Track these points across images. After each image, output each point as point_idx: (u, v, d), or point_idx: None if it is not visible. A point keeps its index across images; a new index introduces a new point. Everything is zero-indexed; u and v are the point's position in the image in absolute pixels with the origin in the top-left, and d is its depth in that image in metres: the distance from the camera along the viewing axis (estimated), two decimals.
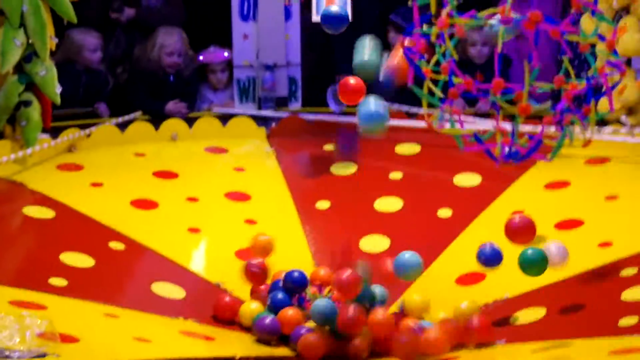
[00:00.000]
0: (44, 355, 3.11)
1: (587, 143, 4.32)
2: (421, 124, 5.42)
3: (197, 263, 4.59)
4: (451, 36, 4.06)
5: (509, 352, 3.73)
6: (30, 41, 5.06)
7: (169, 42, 6.73)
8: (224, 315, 4.15)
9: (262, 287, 4.24)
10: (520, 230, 3.91)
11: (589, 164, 4.89)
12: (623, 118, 5.45)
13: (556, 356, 3.56)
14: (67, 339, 3.29)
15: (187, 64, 6.88)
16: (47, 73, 5.14)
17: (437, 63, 4.14)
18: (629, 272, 4.01)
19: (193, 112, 6.63)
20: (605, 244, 4.27)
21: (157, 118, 6.08)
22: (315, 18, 4.87)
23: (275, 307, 4.07)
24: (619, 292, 3.85)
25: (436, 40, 4.09)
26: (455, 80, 3.93)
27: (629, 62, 5.54)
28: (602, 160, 4.86)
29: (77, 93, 6.50)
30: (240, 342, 3.94)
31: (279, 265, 4.37)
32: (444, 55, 4.09)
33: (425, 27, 4.13)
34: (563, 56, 4.08)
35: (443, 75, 4.04)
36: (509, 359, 3.67)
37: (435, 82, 4.19)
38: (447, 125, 4.33)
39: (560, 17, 6.28)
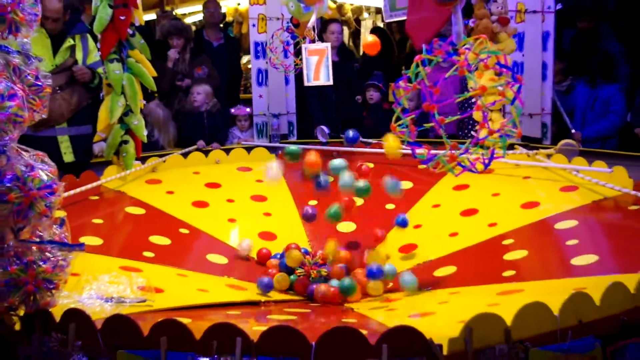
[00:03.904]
0: (144, 301, 3.17)
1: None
2: (375, 150, 5.48)
3: (234, 241, 4.57)
4: None
5: (433, 294, 3.76)
6: (127, 102, 5.09)
7: (197, 89, 6.78)
8: None
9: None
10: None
11: (481, 174, 4.88)
12: None
13: (462, 296, 3.60)
14: (157, 290, 3.34)
15: (215, 107, 6.88)
16: (138, 123, 5.17)
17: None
18: (508, 242, 4.05)
19: (225, 145, 6.64)
20: (492, 224, 4.30)
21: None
22: (307, 83, 4.83)
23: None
24: (501, 255, 3.90)
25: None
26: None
27: None
28: (489, 171, 4.83)
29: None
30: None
31: (286, 242, 4.44)
32: None
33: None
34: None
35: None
36: (433, 298, 3.67)
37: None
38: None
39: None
